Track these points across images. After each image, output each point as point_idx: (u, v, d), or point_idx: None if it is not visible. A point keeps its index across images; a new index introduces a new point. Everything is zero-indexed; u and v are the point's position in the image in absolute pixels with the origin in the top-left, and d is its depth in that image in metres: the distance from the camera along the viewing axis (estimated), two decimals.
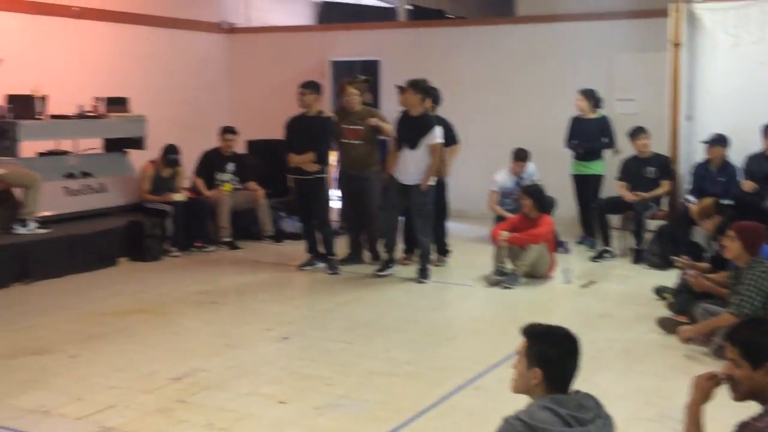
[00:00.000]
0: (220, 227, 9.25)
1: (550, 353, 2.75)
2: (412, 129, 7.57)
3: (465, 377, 5.07)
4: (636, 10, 10.45)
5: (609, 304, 7.00)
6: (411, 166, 7.57)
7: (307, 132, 7.96)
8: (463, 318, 6.81)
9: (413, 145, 7.53)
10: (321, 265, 8.23)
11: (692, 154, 8.88)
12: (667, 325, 5.98)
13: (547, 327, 2.86)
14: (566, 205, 9.40)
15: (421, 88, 7.64)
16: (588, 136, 9.14)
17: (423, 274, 7.71)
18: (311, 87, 8.09)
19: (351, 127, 8.21)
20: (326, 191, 8.18)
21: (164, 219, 8.83)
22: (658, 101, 9.27)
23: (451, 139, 8.29)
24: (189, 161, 9.56)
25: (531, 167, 9.24)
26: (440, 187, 8.19)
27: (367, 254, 8.49)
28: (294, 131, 8.08)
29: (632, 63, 10.48)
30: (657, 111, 9.37)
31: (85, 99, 9.21)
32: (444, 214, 8.48)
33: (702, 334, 5.53)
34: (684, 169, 8.87)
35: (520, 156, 9.27)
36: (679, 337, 5.64)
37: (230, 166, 9.68)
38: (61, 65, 10.00)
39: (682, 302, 6.14)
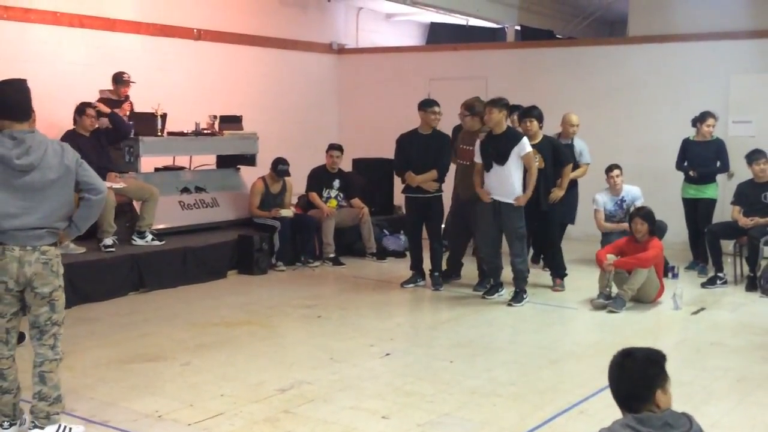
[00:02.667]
0: (325, 243, 9.43)
1: (609, 373, 2.85)
2: (499, 144, 7.48)
3: (569, 401, 5.00)
4: (757, 29, 10.13)
5: (721, 332, 6.76)
6: (500, 183, 7.48)
7: (428, 150, 7.98)
8: (567, 341, 6.71)
9: (502, 160, 7.43)
10: (423, 282, 8.28)
11: None
12: None
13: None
14: (675, 229, 9.15)
15: (504, 105, 7.54)
16: (702, 159, 8.89)
17: (516, 298, 7.58)
18: (438, 105, 8.07)
19: (468, 147, 8.08)
20: (442, 208, 8.19)
21: (272, 234, 9.07)
22: None
23: (565, 159, 8.24)
24: (298, 178, 9.79)
25: (636, 191, 8.95)
26: (552, 208, 8.15)
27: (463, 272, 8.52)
28: (410, 149, 8.06)
29: (751, 84, 10.15)
30: None
31: (201, 117, 9.60)
32: (556, 234, 8.36)
33: None
34: None
35: (610, 168, 8.96)
36: None
37: (336, 183, 9.87)
38: (179, 84, 10.45)
39: None
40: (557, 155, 8.19)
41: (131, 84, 9.06)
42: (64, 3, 9.34)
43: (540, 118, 8.16)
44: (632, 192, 8.93)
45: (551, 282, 8.30)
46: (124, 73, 9.06)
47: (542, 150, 8.05)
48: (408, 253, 8.67)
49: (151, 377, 5.38)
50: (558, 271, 8.33)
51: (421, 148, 8.00)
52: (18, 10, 8.92)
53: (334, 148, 9.93)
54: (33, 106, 4.22)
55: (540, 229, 8.26)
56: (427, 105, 8.08)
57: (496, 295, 7.76)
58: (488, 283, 7.97)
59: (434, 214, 8.12)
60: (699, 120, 8.94)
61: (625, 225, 8.55)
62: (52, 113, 8.42)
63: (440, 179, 8.04)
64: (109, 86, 9.10)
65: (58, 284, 4.20)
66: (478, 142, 7.68)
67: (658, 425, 2.64)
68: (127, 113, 8.74)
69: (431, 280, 8.21)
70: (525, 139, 7.54)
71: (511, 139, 7.49)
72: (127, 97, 8.99)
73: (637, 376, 2.75)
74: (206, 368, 5.57)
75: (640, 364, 2.78)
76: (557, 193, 8.18)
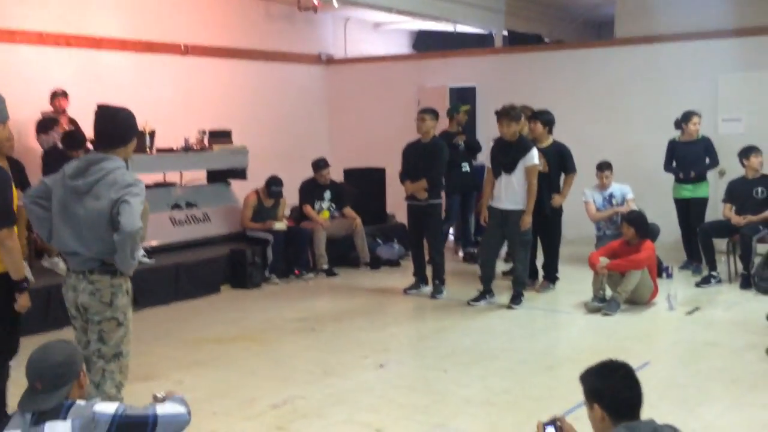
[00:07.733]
0: (318, 255, 9.40)
1: (598, 385, 2.83)
2: (510, 153, 7.50)
3: (563, 407, 4.94)
4: (742, 28, 10.15)
5: (716, 331, 6.75)
6: (509, 192, 7.49)
7: (422, 158, 8.00)
8: (562, 346, 6.69)
9: (510, 168, 7.46)
10: (426, 288, 8.26)
11: None
12: None
13: (596, 363, 2.94)
14: (668, 230, 9.14)
15: (517, 115, 7.55)
16: (691, 159, 8.88)
17: (515, 300, 7.62)
18: (431, 113, 8.10)
19: None
20: (439, 217, 8.15)
21: (265, 247, 9.04)
22: (767, 121, 8.93)
23: (570, 167, 8.24)
24: (290, 190, 9.76)
25: (624, 188, 8.94)
26: (556, 213, 8.15)
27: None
28: (409, 157, 8.15)
29: (739, 82, 10.16)
30: (766, 131, 9.01)
31: (190, 132, 9.58)
32: (558, 239, 8.37)
33: None
34: None
35: (602, 166, 8.97)
36: None
37: (327, 194, 9.84)
38: (168, 100, 10.43)
39: None
40: (563, 162, 8.19)
41: (65, 97, 8.84)
42: (49, 23, 9.34)
43: (546, 123, 8.19)
44: (622, 188, 8.93)
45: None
46: (57, 88, 8.86)
47: (548, 155, 8.04)
48: (402, 262, 8.62)
49: (144, 397, 5.30)
50: (551, 275, 8.36)
51: (417, 156, 8.05)
52: (3, 32, 8.91)
53: (321, 167, 9.70)
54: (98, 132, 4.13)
55: (543, 234, 8.26)
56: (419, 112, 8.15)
57: (482, 302, 7.74)
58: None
59: (429, 224, 8.08)
60: (683, 120, 8.91)
61: (618, 209, 8.60)
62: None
63: (431, 188, 7.98)
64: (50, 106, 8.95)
65: (109, 315, 3.93)
66: (491, 148, 7.75)
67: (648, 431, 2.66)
68: (65, 128, 8.52)
69: (432, 288, 8.18)
70: (534, 151, 7.49)
71: (521, 149, 7.47)
72: (63, 111, 8.83)
73: (631, 381, 2.84)
74: (199, 386, 5.53)
75: (625, 368, 2.88)
76: (558, 200, 8.18)
